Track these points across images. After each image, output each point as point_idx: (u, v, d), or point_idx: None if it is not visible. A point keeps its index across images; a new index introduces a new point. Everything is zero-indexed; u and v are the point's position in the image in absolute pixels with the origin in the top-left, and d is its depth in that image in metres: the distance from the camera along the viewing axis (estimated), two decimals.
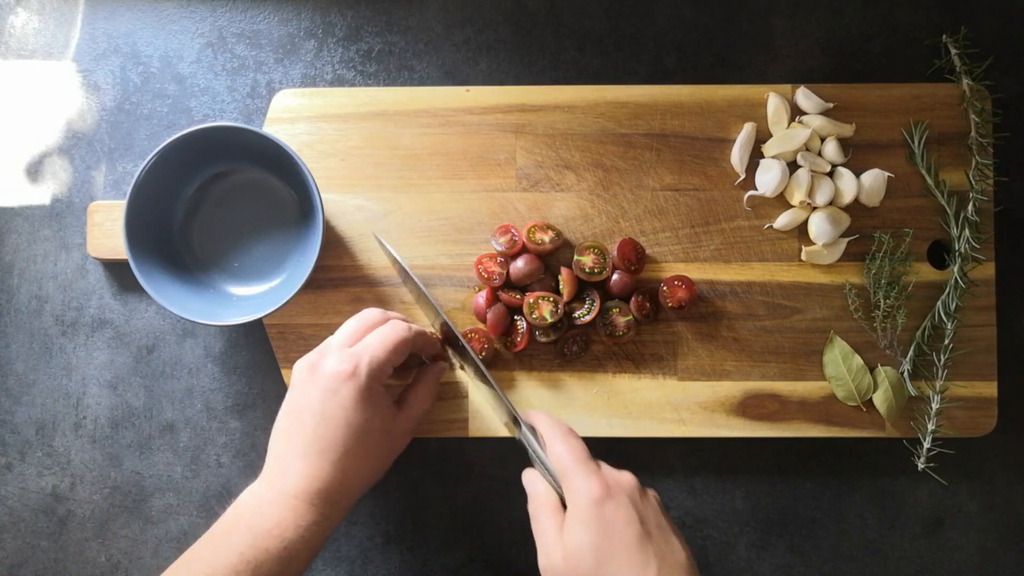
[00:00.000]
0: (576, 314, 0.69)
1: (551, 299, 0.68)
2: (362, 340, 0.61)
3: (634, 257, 0.70)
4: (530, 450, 0.61)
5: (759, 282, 0.71)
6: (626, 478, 0.56)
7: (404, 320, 0.66)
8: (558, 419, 0.61)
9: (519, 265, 0.69)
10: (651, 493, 0.57)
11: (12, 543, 0.73)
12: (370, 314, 0.64)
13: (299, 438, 0.58)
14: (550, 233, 0.69)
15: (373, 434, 0.59)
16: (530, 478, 0.60)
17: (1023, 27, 0.74)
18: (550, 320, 0.68)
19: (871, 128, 0.71)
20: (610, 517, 0.54)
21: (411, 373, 0.67)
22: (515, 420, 0.64)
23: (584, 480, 0.55)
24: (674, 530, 0.56)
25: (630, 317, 0.69)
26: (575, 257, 0.70)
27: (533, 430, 0.62)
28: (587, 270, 0.69)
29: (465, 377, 0.70)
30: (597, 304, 0.69)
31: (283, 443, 0.59)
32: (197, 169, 0.69)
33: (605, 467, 0.57)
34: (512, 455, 0.72)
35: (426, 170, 0.71)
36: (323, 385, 0.59)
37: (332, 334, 0.63)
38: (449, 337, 0.67)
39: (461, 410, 0.70)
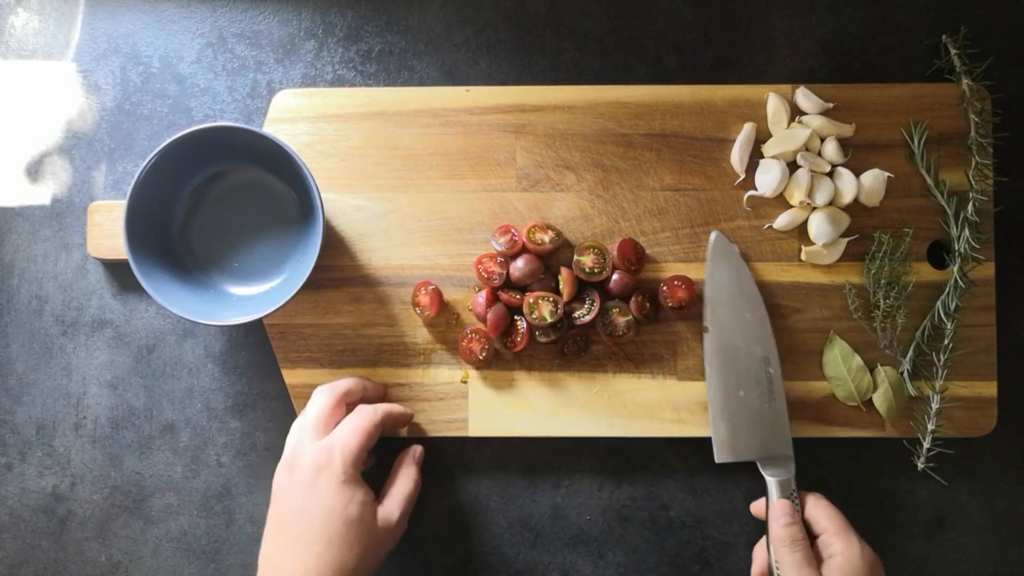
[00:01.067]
0: (576, 314, 0.69)
1: (551, 299, 0.68)
2: (333, 432, 0.63)
3: (634, 257, 0.70)
4: (774, 493, 0.66)
5: (759, 282, 0.70)
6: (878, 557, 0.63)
7: (361, 391, 0.68)
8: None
9: (519, 265, 0.69)
10: None
11: (12, 543, 0.73)
12: (327, 399, 0.65)
13: (285, 536, 0.61)
14: (550, 233, 0.69)
15: (353, 522, 0.60)
16: (787, 517, 0.64)
17: (1023, 27, 0.74)
18: (550, 320, 0.68)
19: (871, 128, 0.71)
20: None
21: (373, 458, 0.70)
22: (774, 461, 0.67)
23: (860, 543, 0.62)
24: None
25: (630, 317, 0.69)
26: (575, 257, 0.70)
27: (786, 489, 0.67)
28: (587, 270, 0.69)
29: (464, 377, 0.70)
30: (597, 304, 0.69)
31: (272, 545, 0.62)
32: (197, 169, 0.69)
33: None
34: (512, 455, 0.73)
35: (426, 170, 0.71)
36: (301, 480, 0.61)
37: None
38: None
39: (461, 410, 0.70)
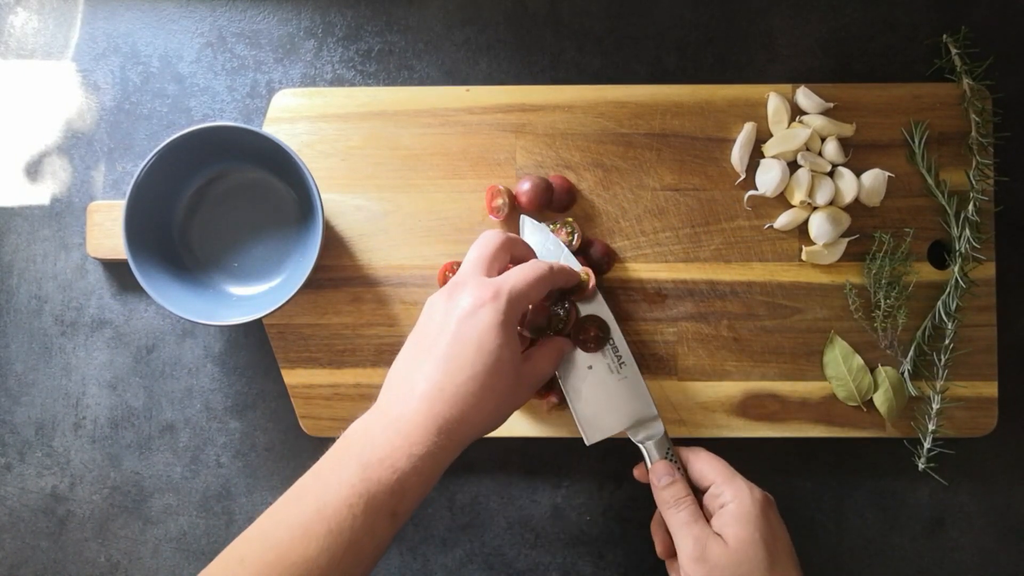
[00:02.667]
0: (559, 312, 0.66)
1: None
2: (502, 274, 0.60)
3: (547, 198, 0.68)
4: (651, 457, 0.64)
5: (759, 282, 0.71)
6: (770, 495, 0.61)
7: (526, 252, 0.65)
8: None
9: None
10: None
11: (12, 543, 0.73)
12: (495, 238, 0.62)
13: (427, 359, 0.56)
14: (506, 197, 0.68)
15: (503, 366, 0.56)
16: (667, 477, 0.62)
17: (1023, 27, 0.74)
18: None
19: (871, 128, 0.71)
20: (773, 520, 0.59)
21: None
22: (642, 425, 0.65)
23: (748, 486, 0.60)
24: None
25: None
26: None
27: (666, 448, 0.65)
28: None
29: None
30: (572, 311, 0.66)
31: (406, 367, 0.57)
32: (197, 169, 0.69)
33: None
34: (512, 455, 0.73)
35: (426, 170, 0.71)
36: (460, 309, 0.57)
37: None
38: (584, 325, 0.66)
39: None
